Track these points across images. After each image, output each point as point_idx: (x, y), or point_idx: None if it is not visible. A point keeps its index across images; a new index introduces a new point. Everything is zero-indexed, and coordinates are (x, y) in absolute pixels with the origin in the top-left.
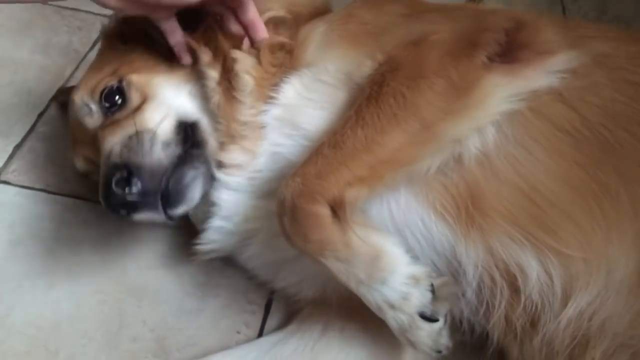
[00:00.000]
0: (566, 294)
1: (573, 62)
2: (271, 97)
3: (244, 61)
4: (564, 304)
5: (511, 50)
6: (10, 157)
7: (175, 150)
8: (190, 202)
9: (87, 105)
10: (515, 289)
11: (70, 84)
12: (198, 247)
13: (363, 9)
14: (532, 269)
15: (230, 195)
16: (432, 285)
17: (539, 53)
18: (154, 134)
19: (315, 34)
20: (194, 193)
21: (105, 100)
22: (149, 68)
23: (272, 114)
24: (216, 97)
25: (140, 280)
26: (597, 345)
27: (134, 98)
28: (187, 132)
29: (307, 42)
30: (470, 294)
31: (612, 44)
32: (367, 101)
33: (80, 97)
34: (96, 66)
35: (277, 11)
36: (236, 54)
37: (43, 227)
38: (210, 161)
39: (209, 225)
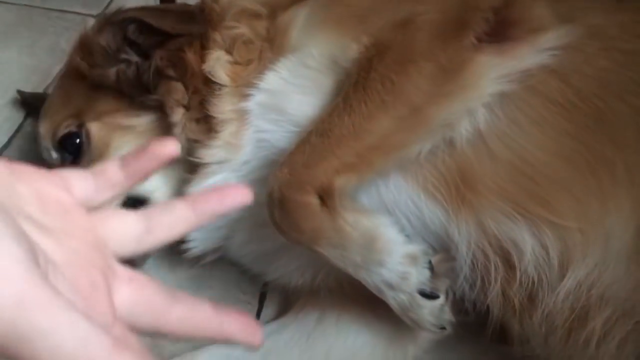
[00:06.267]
0: (563, 266)
1: (566, 37)
2: (254, 84)
3: (219, 60)
4: (561, 276)
5: (501, 29)
6: None
7: None
8: None
9: (48, 150)
10: (510, 265)
11: None
12: (188, 251)
13: None
14: (527, 243)
15: None
16: (429, 262)
17: (530, 30)
18: None
19: (298, 18)
20: None
21: (63, 147)
22: (112, 114)
23: (256, 99)
24: (181, 133)
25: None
26: (597, 316)
27: (91, 154)
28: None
29: (290, 27)
30: (465, 270)
31: (603, 14)
32: (354, 87)
33: (43, 137)
34: (63, 94)
35: (249, 4)
36: (213, 54)
37: None
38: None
39: None
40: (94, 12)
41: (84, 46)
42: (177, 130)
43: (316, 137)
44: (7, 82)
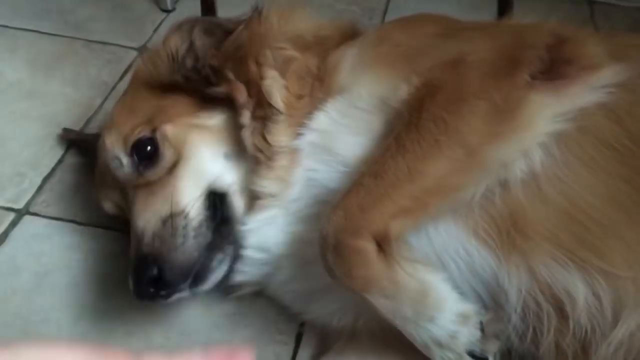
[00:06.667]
0: (616, 316)
1: (620, 76)
2: (304, 124)
3: (275, 81)
4: (614, 325)
5: (554, 67)
6: (40, 188)
7: (206, 236)
8: (216, 282)
9: (118, 158)
10: (562, 314)
11: (99, 115)
12: (229, 281)
13: (395, 31)
14: (579, 292)
15: (264, 227)
16: (481, 322)
17: (584, 68)
18: (186, 219)
19: (347, 58)
20: (220, 274)
21: (137, 154)
22: (184, 116)
23: (307, 139)
24: (249, 136)
25: (168, 311)
26: None
27: (168, 155)
28: (217, 205)
29: (339, 67)
30: (515, 319)
31: None
32: (406, 128)
33: (112, 146)
34: (128, 107)
35: (302, 32)
36: (270, 73)
37: (71, 258)
38: (237, 239)
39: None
40: (136, 45)
41: (153, 56)
42: (246, 133)
43: (370, 178)
44: (50, 113)
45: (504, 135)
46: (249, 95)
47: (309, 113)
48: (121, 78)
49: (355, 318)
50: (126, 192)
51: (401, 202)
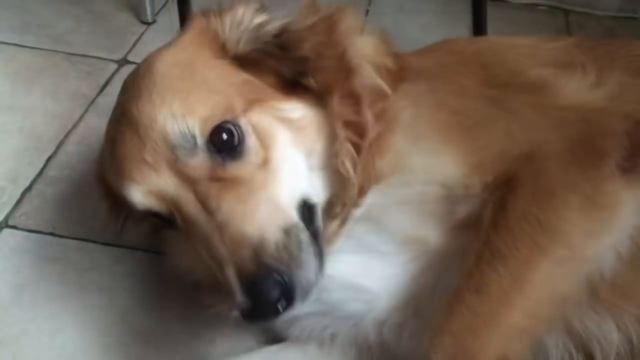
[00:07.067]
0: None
1: None
2: (358, 203)
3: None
4: None
5: (636, 153)
6: (19, 201)
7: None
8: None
9: (193, 138)
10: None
11: (79, 128)
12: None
13: (449, 95)
14: (614, 338)
15: None
16: None
17: None
18: (304, 233)
19: (403, 116)
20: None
21: (217, 140)
22: (268, 103)
23: (358, 212)
24: (344, 153)
25: (147, 322)
26: None
27: (254, 149)
28: (306, 217)
29: (394, 125)
30: None
31: None
32: (495, 230)
33: (183, 121)
34: (193, 74)
35: (382, 61)
36: (367, 97)
37: (50, 270)
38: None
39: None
40: (116, 57)
41: (221, 17)
42: (341, 149)
43: (472, 295)
44: (30, 127)
45: (602, 230)
46: (343, 99)
47: (361, 182)
48: (101, 90)
49: (332, 337)
50: (193, 181)
51: (516, 319)
